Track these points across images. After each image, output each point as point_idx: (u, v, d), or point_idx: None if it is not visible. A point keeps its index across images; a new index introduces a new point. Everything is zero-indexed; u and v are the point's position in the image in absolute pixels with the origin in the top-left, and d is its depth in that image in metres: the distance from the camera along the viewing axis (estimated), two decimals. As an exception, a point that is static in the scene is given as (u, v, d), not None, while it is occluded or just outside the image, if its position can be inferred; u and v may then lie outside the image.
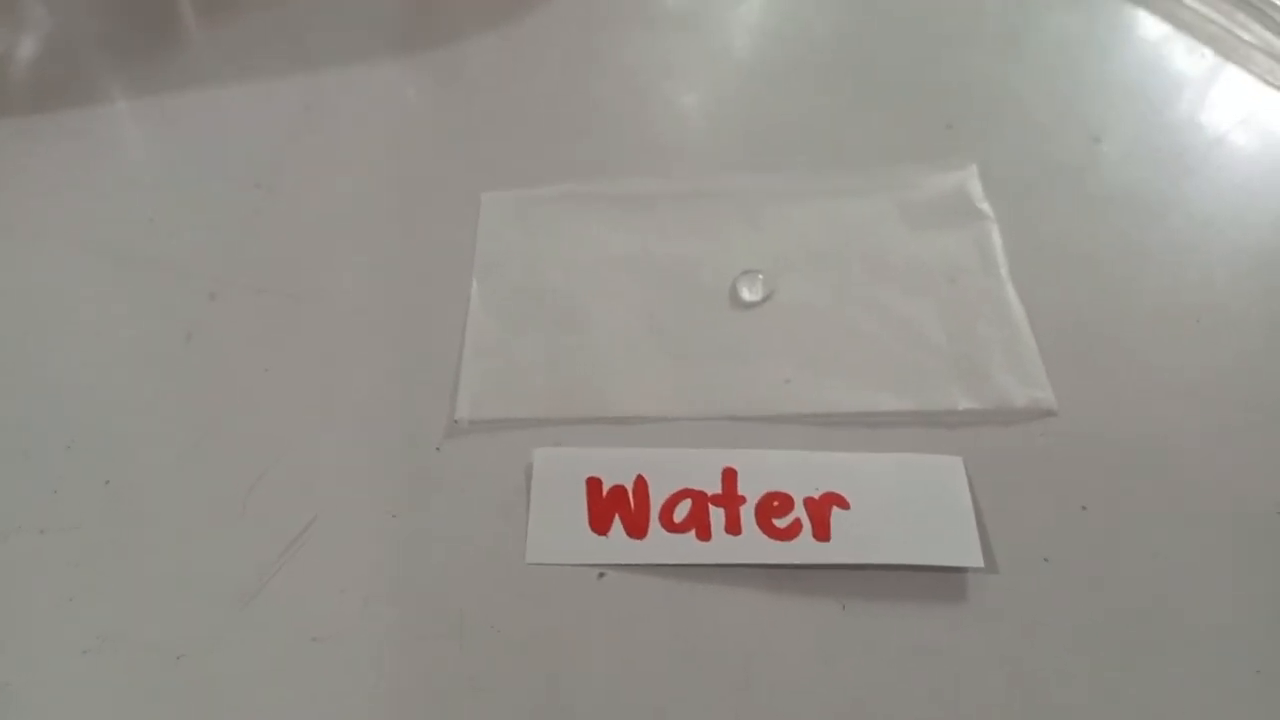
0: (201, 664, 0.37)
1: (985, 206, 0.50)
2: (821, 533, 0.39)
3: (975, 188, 0.51)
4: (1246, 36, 0.59)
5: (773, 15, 0.65)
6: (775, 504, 0.40)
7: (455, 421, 0.43)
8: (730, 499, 0.40)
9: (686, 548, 0.39)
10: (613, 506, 0.41)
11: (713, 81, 0.60)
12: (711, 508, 0.40)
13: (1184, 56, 0.59)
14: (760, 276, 0.47)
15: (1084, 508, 0.40)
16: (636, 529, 0.40)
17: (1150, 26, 0.60)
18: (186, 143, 0.57)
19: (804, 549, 0.39)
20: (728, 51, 0.62)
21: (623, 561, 0.39)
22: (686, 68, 0.60)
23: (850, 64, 0.59)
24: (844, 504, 0.40)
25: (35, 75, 0.62)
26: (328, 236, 0.51)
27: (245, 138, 0.57)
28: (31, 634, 0.38)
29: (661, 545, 0.39)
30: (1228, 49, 0.59)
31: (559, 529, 0.40)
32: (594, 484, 0.41)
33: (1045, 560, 0.39)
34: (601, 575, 0.39)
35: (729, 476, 0.41)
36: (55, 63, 0.63)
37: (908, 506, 0.40)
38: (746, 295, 0.47)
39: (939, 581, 0.39)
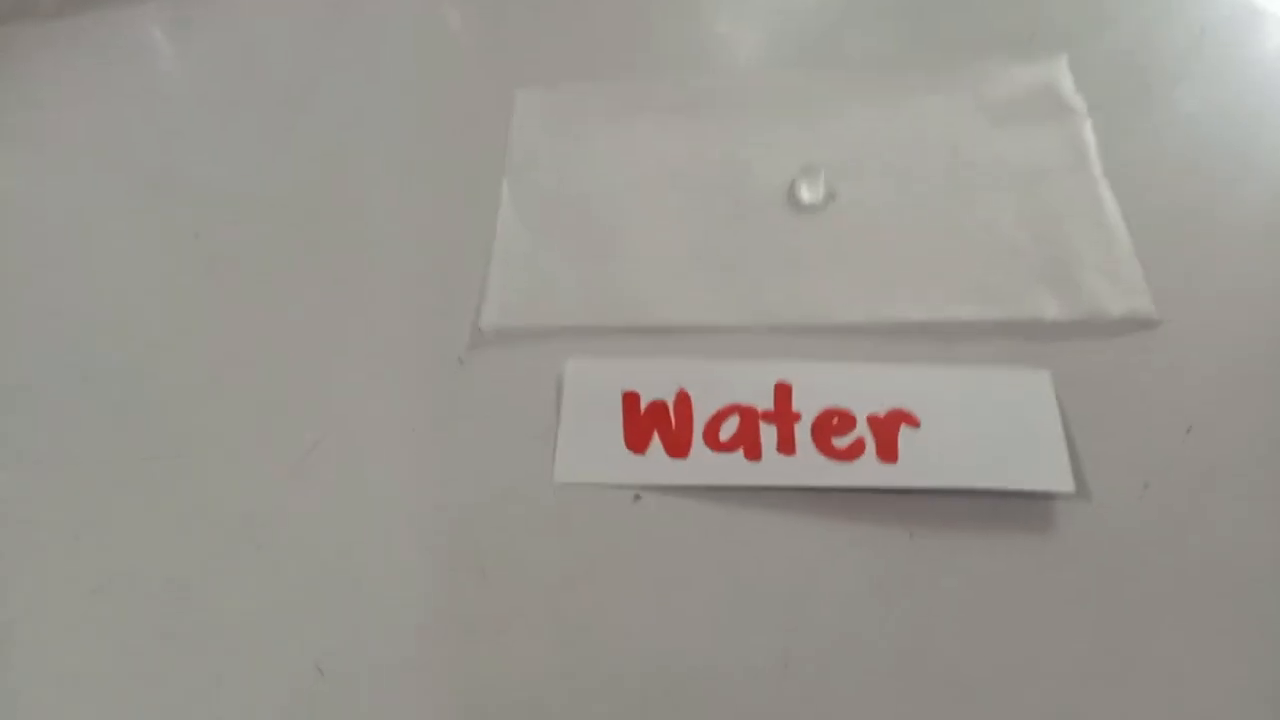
0: (209, 596, 0.34)
1: (1077, 99, 0.45)
2: (887, 453, 0.35)
3: (1066, 81, 0.46)
4: None
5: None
6: (835, 421, 0.36)
7: (480, 330, 0.39)
8: (784, 415, 0.36)
9: (733, 468, 0.35)
10: (651, 423, 0.36)
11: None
12: (762, 424, 0.36)
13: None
14: (822, 174, 0.42)
15: (1189, 429, 0.35)
16: (677, 447, 0.36)
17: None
18: (214, 54, 0.53)
19: (867, 470, 0.34)
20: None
21: (661, 482, 0.35)
22: None
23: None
24: (914, 422, 0.35)
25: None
26: (355, 140, 0.48)
27: (273, 47, 0.53)
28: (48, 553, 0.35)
29: (705, 465, 0.35)
30: None
31: (591, 446, 0.36)
32: (631, 399, 0.37)
33: (1145, 486, 0.34)
34: (637, 497, 0.35)
35: (782, 391, 0.37)
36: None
37: (987, 425, 0.35)
38: (806, 196, 0.42)
39: (1023, 508, 0.34)
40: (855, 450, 0.35)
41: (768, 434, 0.36)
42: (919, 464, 0.34)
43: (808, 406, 0.36)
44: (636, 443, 0.36)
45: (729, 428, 0.36)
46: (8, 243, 0.45)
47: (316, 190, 0.46)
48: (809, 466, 0.35)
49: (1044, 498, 0.34)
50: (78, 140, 0.50)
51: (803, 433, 0.36)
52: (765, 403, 0.36)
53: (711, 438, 0.36)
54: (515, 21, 0.52)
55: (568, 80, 0.48)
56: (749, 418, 0.36)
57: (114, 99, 0.52)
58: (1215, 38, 0.48)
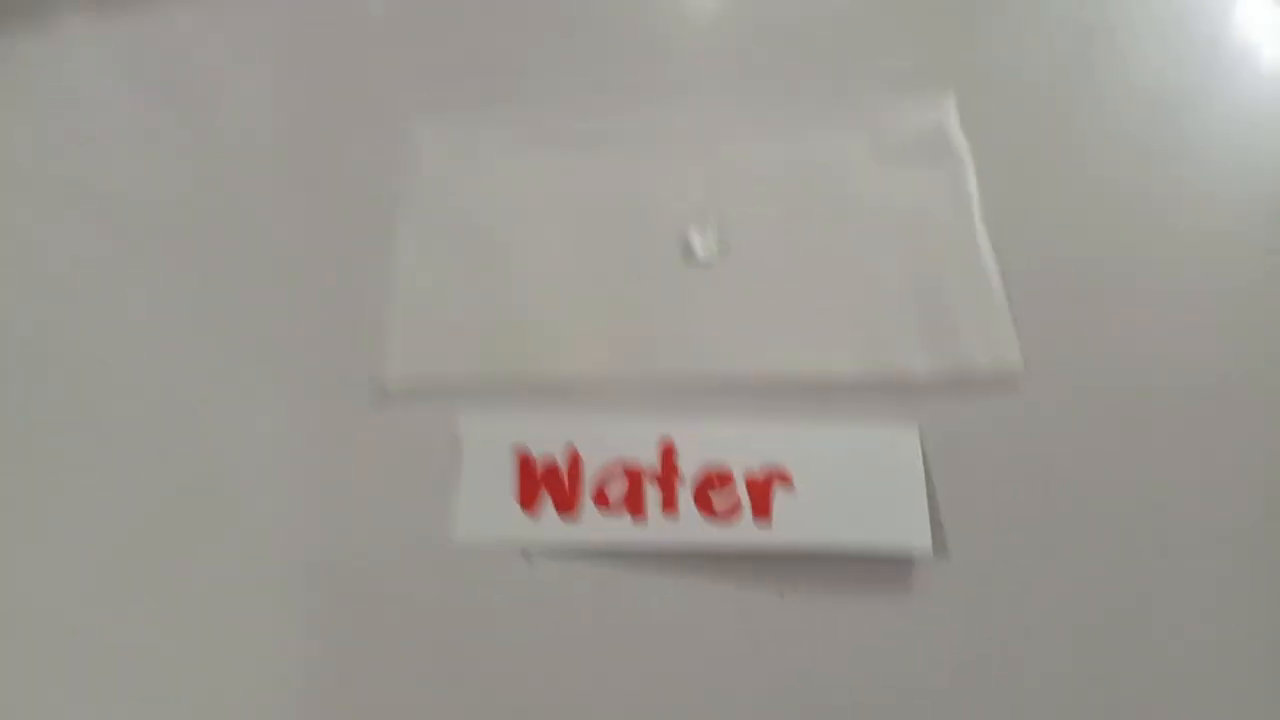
0: (93, 634, 0.36)
1: (960, 141, 0.46)
2: (762, 513, 0.37)
3: (952, 120, 0.47)
4: None
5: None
6: (715, 481, 0.38)
7: (382, 385, 0.41)
8: (668, 475, 0.38)
9: (620, 529, 0.37)
10: (543, 481, 0.38)
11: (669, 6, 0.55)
12: (647, 486, 0.38)
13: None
14: (713, 224, 0.44)
15: (1047, 486, 0.38)
16: (568, 506, 0.38)
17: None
18: (98, 62, 0.52)
19: (743, 532, 0.37)
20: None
21: (551, 542, 0.37)
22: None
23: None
24: (788, 481, 0.38)
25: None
26: (244, 168, 0.47)
27: (165, 61, 0.52)
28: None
29: (593, 525, 0.37)
30: None
31: (487, 504, 0.38)
32: (524, 456, 0.39)
33: (1001, 545, 0.37)
34: (529, 557, 0.37)
35: (667, 450, 0.39)
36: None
37: (856, 484, 0.38)
38: (699, 250, 0.44)
39: (886, 567, 0.37)
40: (733, 511, 0.37)
41: (652, 495, 0.38)
42: (790, 524, 0.37)
43: (690, 465, 0.38)
44: (529, 501, 0.38)
45: (616, 488, 0.38)
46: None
47: (209, 231, 0.45)
48: (690, 528, 0.37)
49: (904, 557, 0.36)
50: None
51: (685, 493, 0.38)
52: (651, 460, 0.38)
53: (600, 498, 0.38)
54: (417, 46, 0.52)
55: (470, 107, 0.48)
56: (635, 478, 0.38)
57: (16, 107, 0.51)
58: (1102, 78, 0.49)
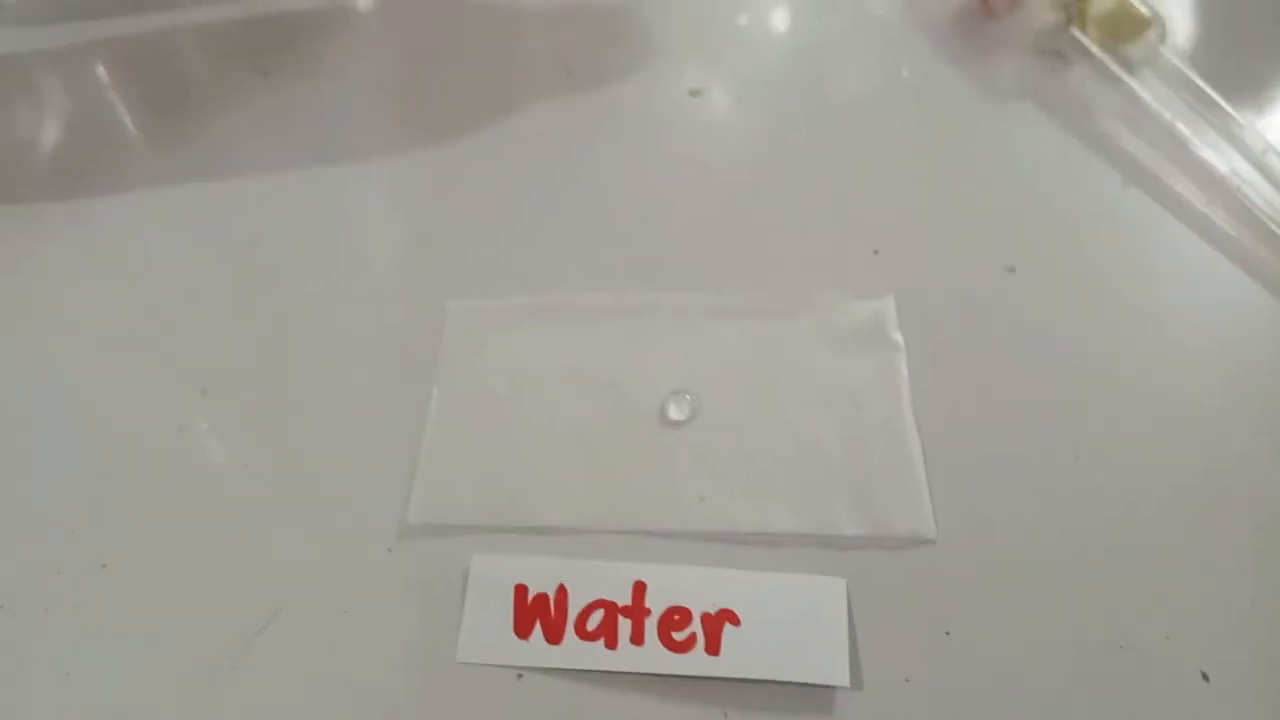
0: None
1: (897, 336, 0.53)
2: (713, 647, 0.45)
3: (890, 316, 0.55)
4: (1175, 165, 0.62)
5: (722, 140, 0.67)
6: (676, 617, 0.46)
7: (407, 524, 0.49)
8: (638, 611, 0.46)
9: (596, 655, 0.45)
10: (535, 613, 0.46)
11: (666, 203, 0.64)
12: (620, 619, 0.46)
13: (1105, 186, 0.63)
14: (688, 397, 0.53)
15: (947, 632, 0.44)
16: (554, 635, 0.46)
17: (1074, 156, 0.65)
18: (186, 234, 0.63)
19: (696, 662, 0.44)
20: (680, 177, 0.66)
21: (540, 665, 0.45)
22: (644, 191, 0.64)
23: (790, 184, 0.64)
24: (735, 620, 0.45)
25: (51, 160, 0.68)
26: (304, 339, 0.57)
27: (237, 232, 0.63)
28: (30, 707, 0.45)
29: (574, 651, 0.45)
30: (1154, 179, 0.62)
31: (487, 631, 0.46)
32: (520, 590, 0.47)
33: (906, 681, 0.43)
34: (520, 676, 0.45)
35: (639, 589, 0.47)
36: (71, 149, 0.69)
37: (790, 625, 0.45)
38: (674, 414, 0.52)
39: (811, 696, 0.43)
40: (689, 644, 0.45)
41: (624, 627, 0.46)
42: (736, 657, 0.44)
43: (657, 603, 0.46)
44: (522, 629, 0.46)
45: (595, 620, 0.46)
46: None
47: (274, 384, 0.54)
48: (653, 656, 0.44)
49: (827, 687, 0.44)
50: (58, 312, 0.59)
51: (651, 627, 0.46)
52: (625, 598, 0.46)
53: (581, 628, 0.46)
54: (455, 233, 0.62)
55: (494, 294, 0.58)
56: (611, 611, 0.46)
57: (93, 275, 0.61)
58: (1022, 275, 0.59)
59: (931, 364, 0.53)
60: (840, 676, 0.43)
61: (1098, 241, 0.60)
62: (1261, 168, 0.60)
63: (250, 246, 0.62)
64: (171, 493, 0.51)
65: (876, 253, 0.59)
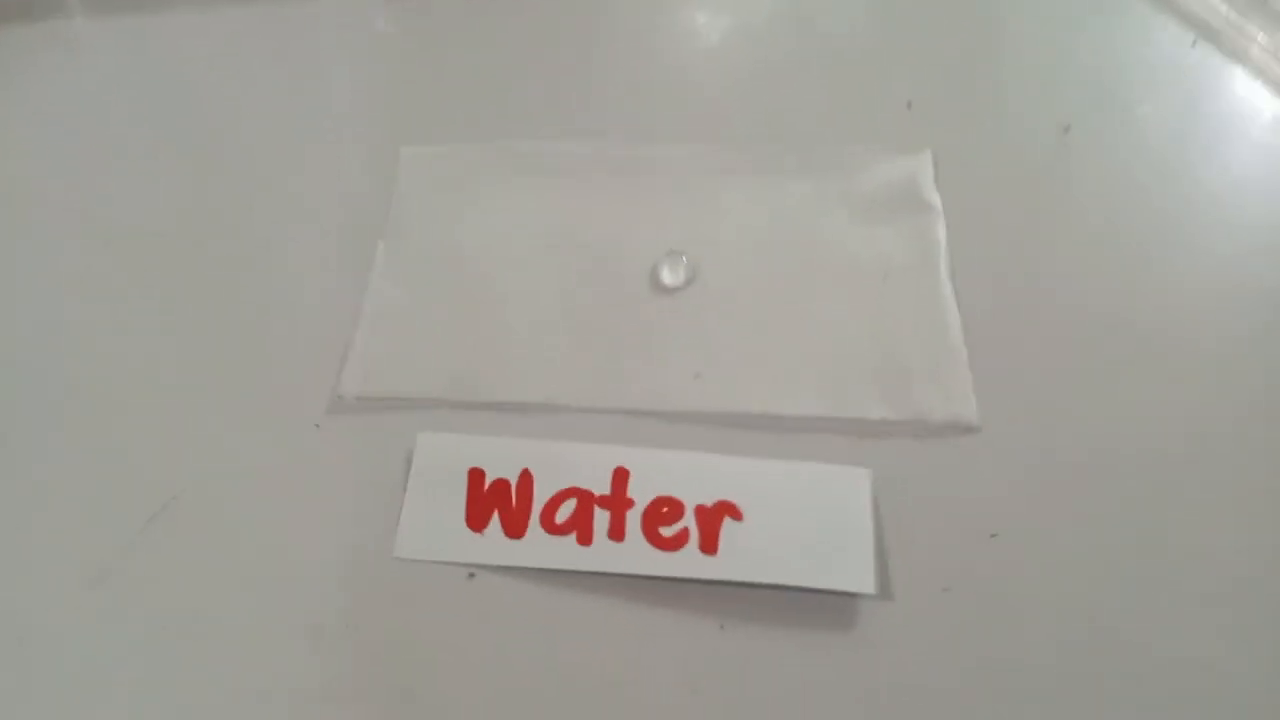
0: (45, 649, 0.36)
1: (934, 198, 0.47)
2: (709, 545, 0.37)
3: (926, 176, 0.47)
4: (1242, 26, 0.54)
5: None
6: (665, 510, 0.38)
7: (339, 397, 0.41)
8: (618, 501, 0.38)
9: (565, 551, 0.37)
10: (493, 501, 0.38)
11: (660, 46, 0.56)
12: (597, 509, 0.38)
13: (1171, 45, 0.54)
14: (684, 259, 0.44)
15: (993, 535, 0.38)
16: (515, 527, 0.38)
17: (1138, 10, 0.56)
18: (94, 68, 0.54)
19: (687, 561, 0.37)
20: (678, 16, 0.58)
21: (496, 562, 0.37)
22: (634, 31, 0.56)
23: (808, 30, 0.55)
24: (737, 514, 0.38)
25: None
26: (233, 180, 0.49)
27: (162, 70, 0.54)
28: None
29: (539, 547, 0.37)
30: (1220, 38, 0.54)
31: (434, 522, 0.38)
32: (476, 476, 0.39)
33: (945, 590, 0.37)
34: (472, 575, 0.37)
35: (620, 477, 0.39)
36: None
37: (803, 521, 0.37)
38: (668, 279, 0.44)
39: (828, 606, 0.36)
40: (679, 540, 0.37)
41: (601, 519, 0.38)
42: (736, 557, 0.37)
43: (642, 493, 0.38)
44: (477, 520, 0.38)
45: (565, 510, 0.38)
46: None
47: (187, 230, 0.47)
48: (635, 554, 0.37)
49: (849, 596, 0.36)
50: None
51: (633, 520, 0.38)
52: (603, 487, 0.38)
53: (548, 520, 0.38)
54: (406, 77, 0.53)
55: (456, 139, 0.49)
56: (585, 501, 0.38)
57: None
58: (1078, 135, 0.50)
59: (973, 230, 0.46)
60: (865, 583, 0.36)
61: (1162, 102, 0.51)
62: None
63: (179, 84, 0.52)
64: (62, 353, 0.42)
65: (910, 105, 0.51)
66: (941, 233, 0.45)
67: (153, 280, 0.45)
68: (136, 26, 0.56)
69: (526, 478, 0.39)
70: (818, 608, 0.36)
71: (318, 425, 0.41)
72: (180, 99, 0.52)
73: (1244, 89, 0.52)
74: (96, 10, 0.57)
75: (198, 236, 0.46)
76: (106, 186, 0.48)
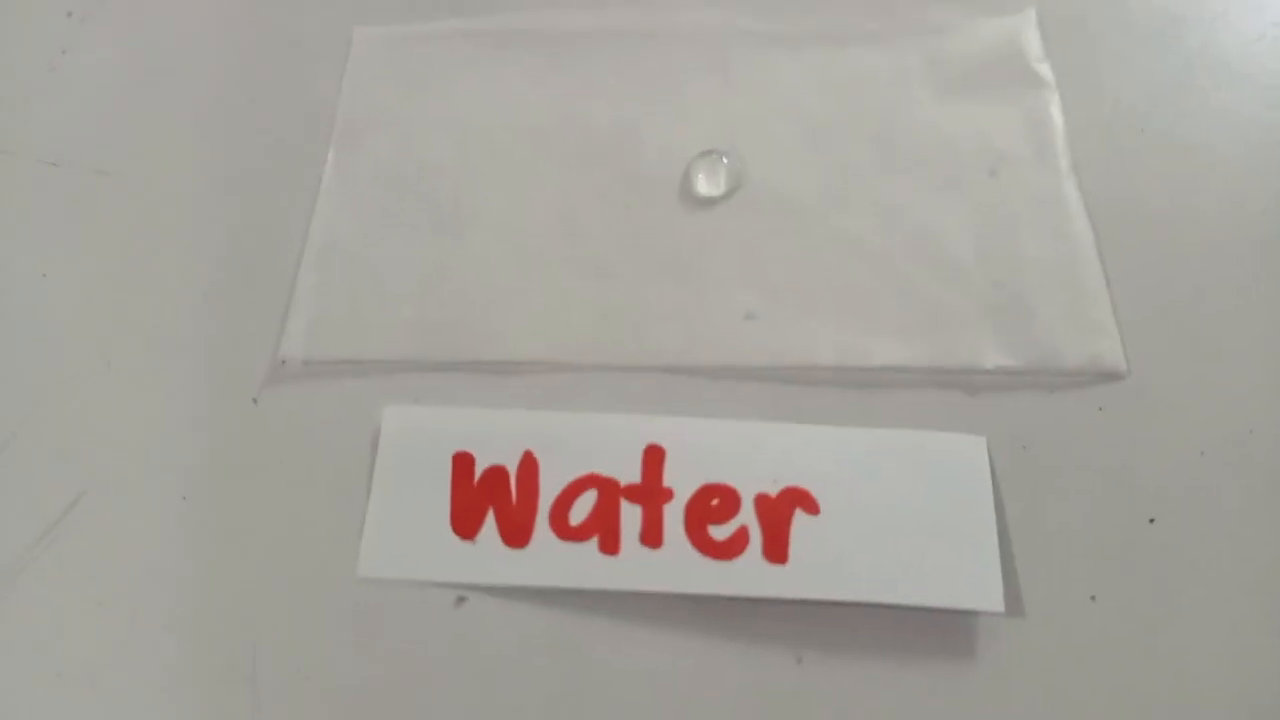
0: None
1: (1045, 68, 0.38)
2: (776, 550, 0.29)
3: (1032, 40, 0.38)
4: None
5: None
6: (715, 502, 0.30)
7: (281, 362, 0.33)
8: (652, 492, 0.30)
9: (583, 564, 0.29)
10: (486, 497, 0.30)
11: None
12: (624, 504, 0.30)
13: None
14: (725, 160, 0.36)
15: (1152, 520, 0.30)
16: (516, 533, 0.30)
17: None
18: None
19: (749, 573, 0.29)
20: None
21: (493, 581, 0.29)
22: None
23: None
24: (812, 506, 0.30)
25: None
26: (149, 88, 0.40)
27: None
28: None
29: (548, 559, 0.29)
30: None
31: (408, 528, 0.30)
32: (463, 462, 0.31)
33: (1092, 599, 0.29)
34: (461, 600, 0.29)
35: (653, 458, 0.30)
36: None
37: (902, 513, 0.30)
38: (703, 188, 0.36)
39: (940, 628, 0.29)
40: (737, 545, 0.29)
41: (630, 517, 0.30)
42: (813, 566, 0.29)
43: (683, 480, 0.30)
44: (466, 525, 0.30)
45: (582, 506, 0.29)
46: None
47: (87, 150, 0.38)
48: (677, 565, 0.29)
49: (966, 614, 0.28)
50: None
51: (673, 517, 0.29)
52: (631, 472, 0.30)
53: (559, 520, 0.29)
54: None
55: (418, 17, 0.40)
56: (609, 493, 0.30)
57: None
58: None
59: (1098, 109, 0.38)
60: (990, 598, 0.28)
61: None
62: None
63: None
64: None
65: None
66: (1058, 114, 0.37)
67: (45, 210, 0.37)
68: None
69: (529, 463, 0.30)
70: (925, 632, 0.28)
71: (255, 400, 0.33)
72: None
73: None
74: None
75: (102, 155, 0.38)
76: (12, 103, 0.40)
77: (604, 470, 0.30)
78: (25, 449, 0.32)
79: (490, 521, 0.29)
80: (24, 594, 0.30)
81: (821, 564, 0.28)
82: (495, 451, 0.30)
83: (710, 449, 0.30)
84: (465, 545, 0.29)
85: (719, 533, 0.29)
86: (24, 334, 0.34)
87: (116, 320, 0.34)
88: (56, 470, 0.32)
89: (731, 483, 0.30)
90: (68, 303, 0.35)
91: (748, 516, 0.29)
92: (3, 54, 0.41)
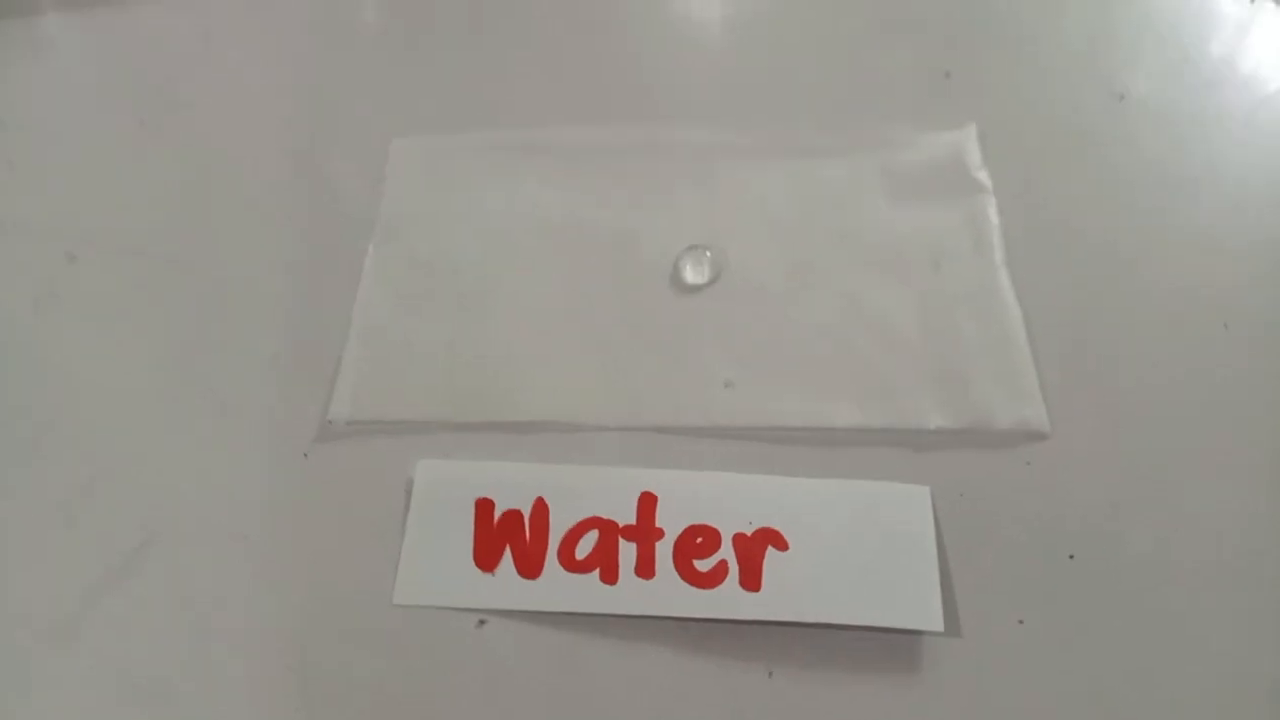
0: (7, 713, 0.31)
1: (983, 176, 0.42)
2: (750, 579, 0.33)
3: (973, 152, 0.43)
4: None
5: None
6: (699, 540, 0.33)
7: (329, 422, 0.36)
8: (646, 532, 0.34)
9: (587, 592, 0.33)
10: (504, 536, 0.34)
11: (670, 18, 0.51)
12: (622, 542, 0.34)
13: (1230, 4, 0.50)
14: (708, 254, 0.40)
15: (1072, 556, 0.33)
16: (529, 566, 0.33)
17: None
18: (64, 67, 0.49)
19: (727, 600, 0.32)
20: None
21: (509, 606, 0.33)
22: (641, 1, 0.52)
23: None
24: (781, 544, 0.33)
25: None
26: (212, 186, 0.44)
27: (134, 65, 0.49)
28: None
29: (557, 588, 0.33)
30: None
31: (437, 563, 0.34)
32: (484, 507, 0.34)
33: (1020, 623, 0.32)
34: (482, 623, 0.33)
35: (646, 504, 0.34)
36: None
37: (857, 549, 0.33)
38: (690, 276, 0.40)
39: (889, 646, 0.32)
40: (717, 575, 0.33)
41: (626, 553, 0.33)
42: (782, 593, 0.32)
43: (672, 522, 0.34)
44: (486, 560, 0.34)
45: (586, 544, 0.34)
46: None
47: (161, 243, 0.42)
48: (667, 593, 0.33)
49: (912, 634, 0.32)
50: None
51: (664, 553, 0.33)
52: (627, 515, 0.34)
53: (567, 555, 0.33)
54: (395, 65, 0.48)
55: (449, 129, 0.45)
56: (608, 533, 0.34)
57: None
58: (1134, 103, 0.45)
59: (1028, 210, 0.41)
60: (931, 619, 0.32)
61: (1221, 66, 0.47)
62: None
63: (155, 80, 0.48)
64: (20, 384, 0.38)
65: (949, 75, 0.46)
66: (994, 215, 0.41)
67: (125, 295, 0.41)
68: (108, 22, 0.52)
69: (541, 508, 0.34)
70: (877, 648, 0.32)
71: (305, 454, 0.36)
72: (157, 95, 0.48)
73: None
74: (67, 5, 0.52)
75: (174, 246, 0.42)
76: (79, 194, 0.44)
77: (604, 513, 0.34)
78: (102, 496, 0.35)
79: (507, 556, 0.33)
80: (101, 623, 0.33)
81: (790, 592, 0.32)
82: (512, 498, 0.34)
83: (695, 496, 0.34)
84: (486, 576, 0.33)
85: (702, 565, 0.33)
86: (104, 401, 0.38)
87: (187, 388, 0.38)
88: (131, 514, 0.35)
89: (713, 524, 0.33)
90: (142, 373, 0.38)
91: (727, 552, 0.33)
92: (84, 156, 0.45)
